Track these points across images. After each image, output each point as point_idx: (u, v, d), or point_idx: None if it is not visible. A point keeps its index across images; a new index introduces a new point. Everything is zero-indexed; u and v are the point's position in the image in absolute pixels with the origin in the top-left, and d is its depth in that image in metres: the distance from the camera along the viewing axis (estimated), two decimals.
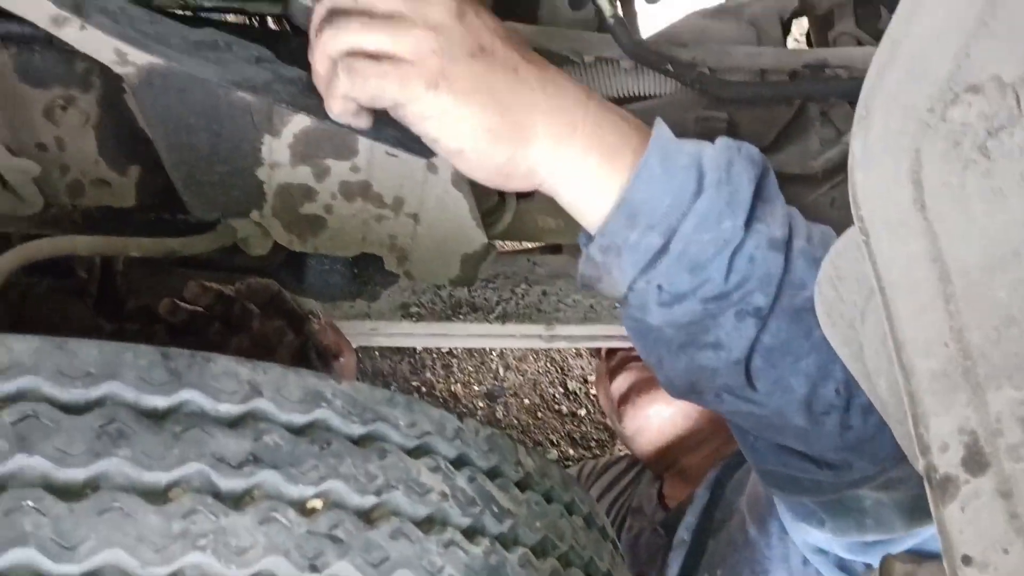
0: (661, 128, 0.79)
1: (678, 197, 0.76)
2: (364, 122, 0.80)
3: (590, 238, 0.81)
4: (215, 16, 0.92)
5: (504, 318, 1.19)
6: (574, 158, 0.77)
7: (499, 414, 1.95)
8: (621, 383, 1.68)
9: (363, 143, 0.82)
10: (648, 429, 1.65)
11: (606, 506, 1.76)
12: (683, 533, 1.45)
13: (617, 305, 1.21)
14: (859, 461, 0.88)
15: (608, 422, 1.87)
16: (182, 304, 0.98)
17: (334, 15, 0.75)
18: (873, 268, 0.62)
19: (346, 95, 0.75)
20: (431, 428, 0.66)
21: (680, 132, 0.93)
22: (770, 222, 0.78)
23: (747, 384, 0.82)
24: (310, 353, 1.01)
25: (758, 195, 0.79)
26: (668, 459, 1.67)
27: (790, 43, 1.13)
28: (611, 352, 1.73)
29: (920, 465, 0.55)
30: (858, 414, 0.83)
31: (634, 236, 0.77)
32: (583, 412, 2.21)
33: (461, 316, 1.18)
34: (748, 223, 0.77)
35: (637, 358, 1.65)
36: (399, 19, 0.74)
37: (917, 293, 0.59)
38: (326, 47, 0.75)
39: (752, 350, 0.80)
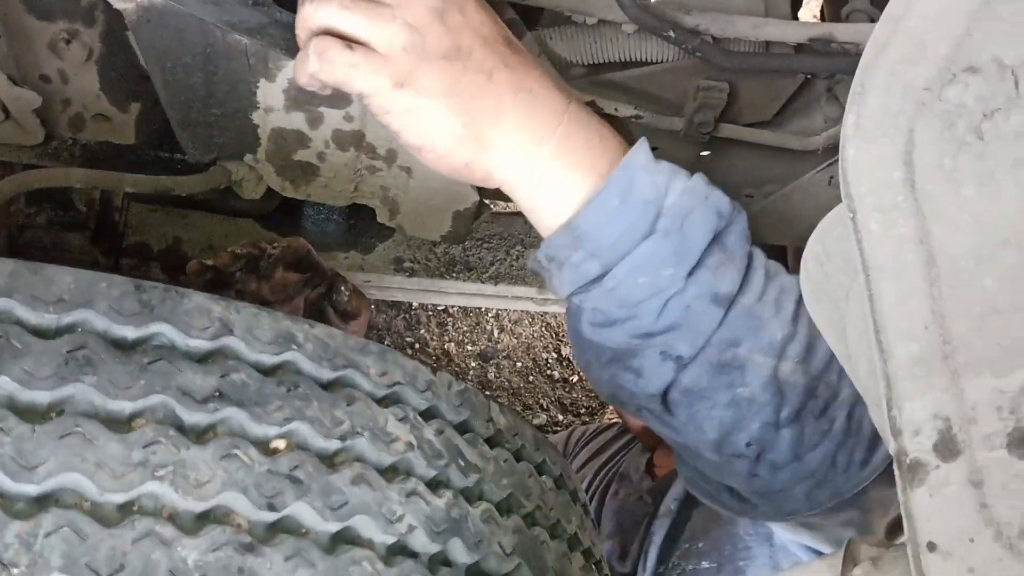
0: (636, 156, 0.77)
1: (626, 234, 0.75)
2: (328, 92, 0.78)
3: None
4: None
5: (497, 279, 1.19)
6: (533, 170, 0.76)
7: (491, 375, 1.96)
8: None
9: None
10: None
11: (594, 470, 1.76)
12: (670, 503, 1.46)
13: None
14: (764, 506, 0.88)
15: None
16: (208, 264, 0.98)
17: None
18: (859, 248, 0.61)
19: (313, 75, 0.73)
20: (402, 379, 0.66)
21: (680, 100, 0.93)
22: (720, 275, 0.77)
23: (665, 411, 0.82)
24: (327, 309, 1.02)
25: (717, 246, 0.77)
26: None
27: (807, 18, 1.11)
28: None
29: (891, 448, 0.55)
30: (767, 468, 0.83)
31: (576, 257, 0.77)
32: (575, 379, 2.20)
33: (454, 274, 1.18)
34: (693, 272, 0.76)
35: None
36: (380, 8, 0.72)
37: (902, 276, 0.58)
38: (305, 20, 0.74)
39: (670, 387, 0.80)
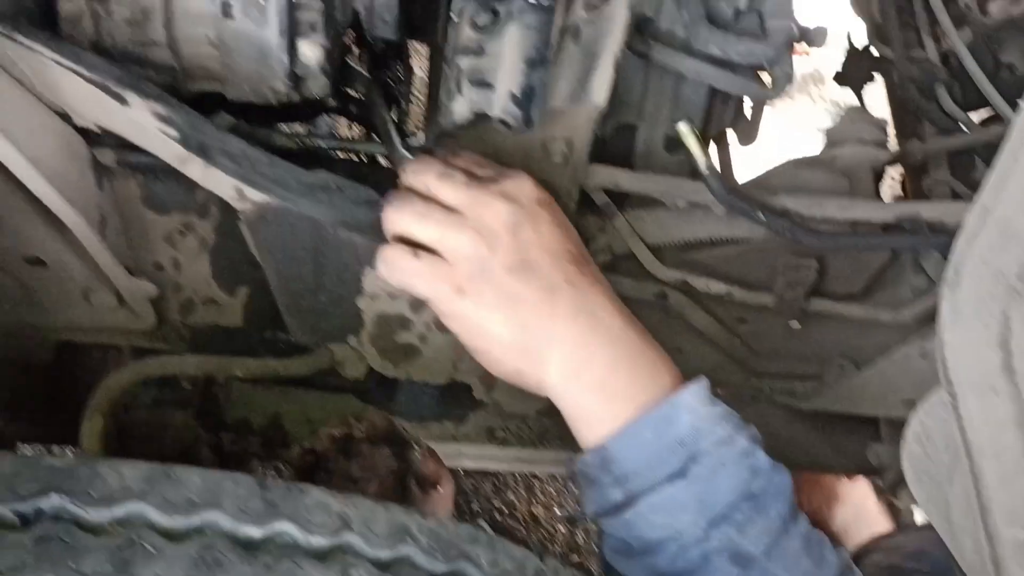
0: (684, 395, 0.77)
1: (653, 470, 0.75)
2: None
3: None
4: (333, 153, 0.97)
5: None
6: (579, 389, 0.78)
7: (579, 539, 1.93)
8: None
9: None
10: None
11: None
12: None
13: None
14: None
15: None
16: (309, 449, 1.02)
17: (405, 191, 0.79)
18: (960, 431, 0.62)
19: (381, 278, 0.80)
20: (512, 567, 0.67)
21: (770, 276, 0.95)
22: (748, 532, 0.75)
23: None
24: (409, 481, 1.04)
25: (749, 503, 0.75)
26: None
27: (888, 182, 1.13)
28: None
29: None
30: None
31: (604, 480, 0.77)
32: None
33: (546, 443, 1.18)
34: (717, 523, 0.75)
35: None
36: (453, 217, 0.77)
37: (1004, 459, 0.59)
38: (385, 225, 0.79)
39: None
